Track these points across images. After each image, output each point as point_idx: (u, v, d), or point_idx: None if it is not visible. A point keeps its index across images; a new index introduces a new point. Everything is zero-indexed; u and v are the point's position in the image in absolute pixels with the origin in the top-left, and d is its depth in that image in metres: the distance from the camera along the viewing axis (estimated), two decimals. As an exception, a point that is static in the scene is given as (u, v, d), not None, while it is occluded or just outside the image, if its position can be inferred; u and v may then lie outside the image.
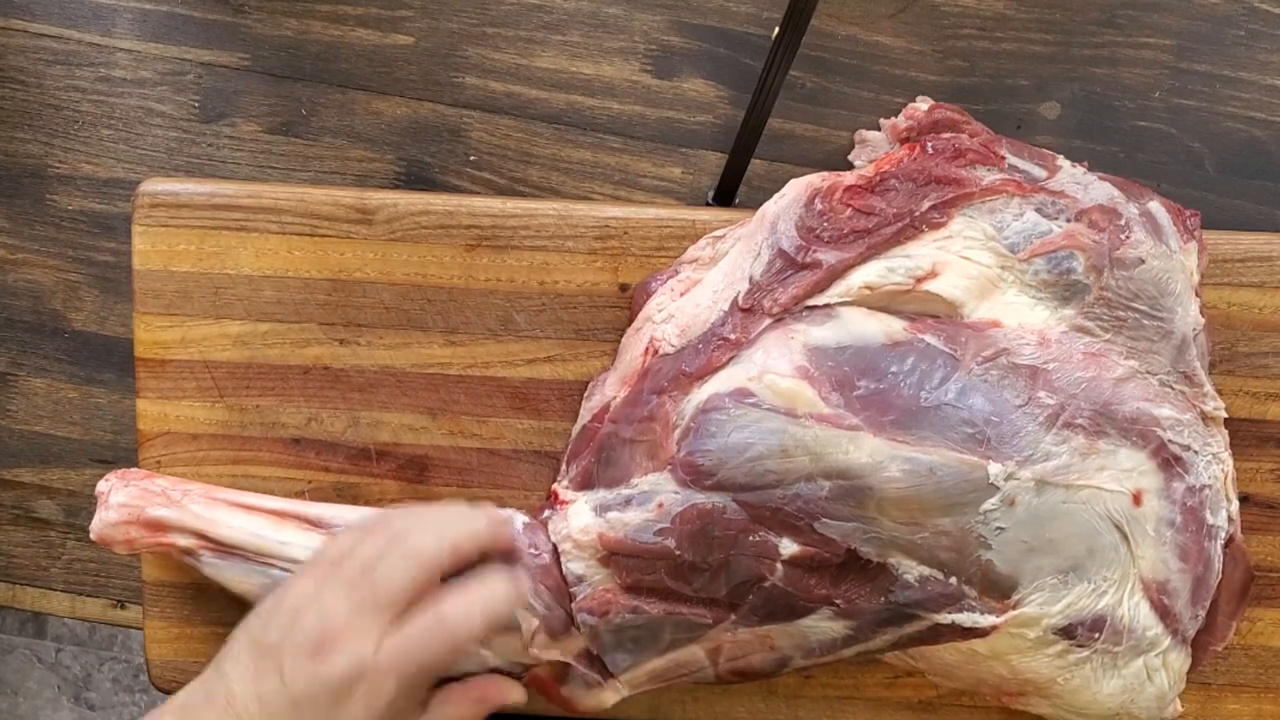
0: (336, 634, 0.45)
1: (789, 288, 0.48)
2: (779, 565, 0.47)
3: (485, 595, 0.46)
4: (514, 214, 0.52)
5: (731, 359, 0.48)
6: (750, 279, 0.49)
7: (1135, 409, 0.47)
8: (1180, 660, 0.49)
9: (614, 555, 0.48)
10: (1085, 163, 0.50)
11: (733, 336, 0.48)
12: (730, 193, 0.57)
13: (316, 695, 0.44)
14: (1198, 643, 0.50)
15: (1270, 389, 0.53)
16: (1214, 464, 0.49)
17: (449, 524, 0.47)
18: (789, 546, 0.47)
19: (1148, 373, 0.48)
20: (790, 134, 0.59)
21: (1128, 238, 0.48)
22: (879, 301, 0.48)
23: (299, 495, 0.53)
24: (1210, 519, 0.48)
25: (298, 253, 0.52)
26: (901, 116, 0.52)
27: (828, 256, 0.48)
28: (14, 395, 0.63)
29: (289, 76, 0.59)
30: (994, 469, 0.46)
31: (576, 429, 0.52)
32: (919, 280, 0.47)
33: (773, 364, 0.47)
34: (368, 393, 0.53)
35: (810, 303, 0.48)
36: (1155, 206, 0.49)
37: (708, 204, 0.58)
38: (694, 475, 0.47)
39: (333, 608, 0.46)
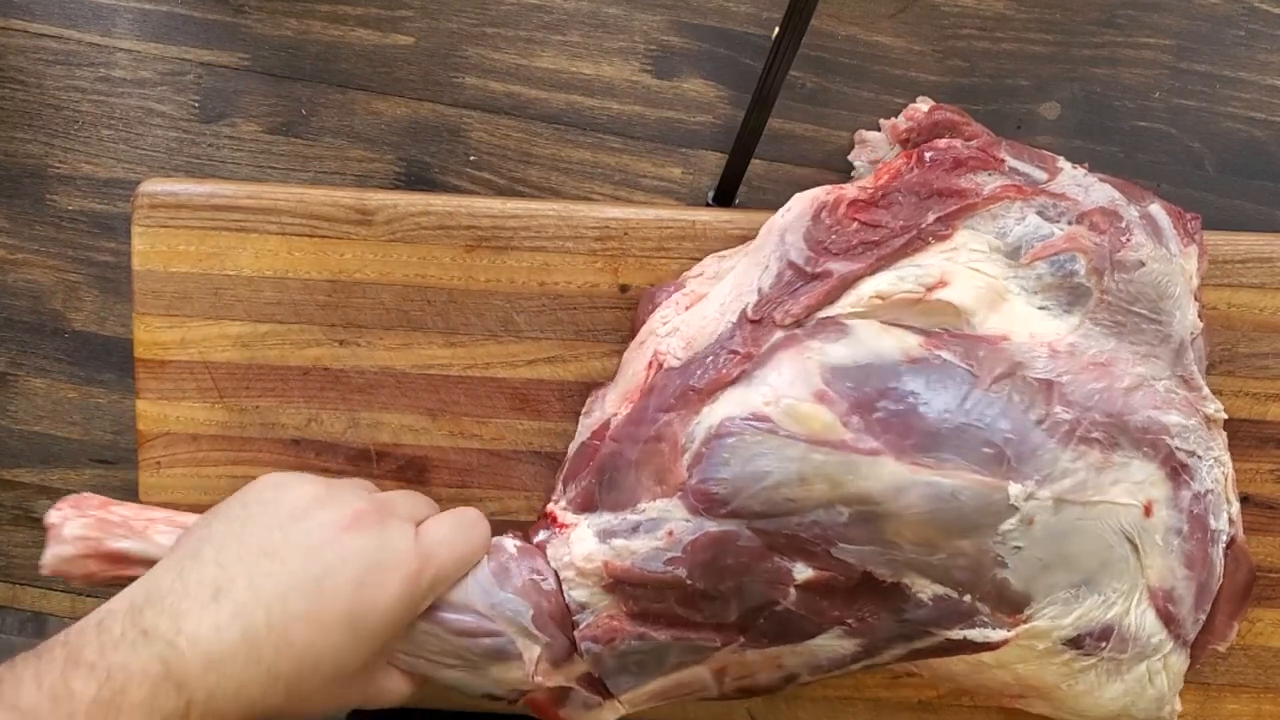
0: (368, 516, 0.43)
1: (800, 298, 0.47)
2: (792, 589, 0.46)
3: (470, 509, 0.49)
4: (514, 214, 0.52)
5: (742, 374, 0.47)
6: (759, 291, 0.48)
7: (1146, 418, 0.47)
8: (1180, 662, 0.49)
9: (620, 583, 0.47)
10: (1086, 164, 0.50)
11: (742, 349, 0.47)
12: (730, 193, 0.57)
13: (346, 567, 0.41)
14: (1196, 642, 0.50)
15: (1270, 390, 0.53)
16: (1216, 467, 0.48)
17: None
18: (803, 571, 0.46)
19: (1153, 379, 0.48)
20: (790, 134, 0.59)
21: (1128, 240, 0.47)
22: (889, 311, 0.47)
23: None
24: (1214, 523, 0.48)
25: (298, 253, 0.52)
26: (901, 117, 0.52)
27: (838, 267, 0.47)
28: (14, 395, 0.63)
29: (289, 76, 0.59)
30: (1014, 490, 0.45)
31: (574, 446, 0.51)
32: (929, 289, 0.47)
33: (790, 387, 0.46)
34: (368, 393, 0.53)
35: (822, 314, 0.47)
36: (1156, 209, 0.49)
37: (708, 204, 0.58)
38: (707, 504, 0.46)
39: (352, 499, 0.44)
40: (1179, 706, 0.51)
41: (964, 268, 0.47)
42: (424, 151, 0.60)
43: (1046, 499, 0.45)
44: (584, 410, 0.52)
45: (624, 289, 0.52)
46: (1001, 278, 0.47)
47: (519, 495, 0.54)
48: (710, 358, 0.47)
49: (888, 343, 0.46)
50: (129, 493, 0.56)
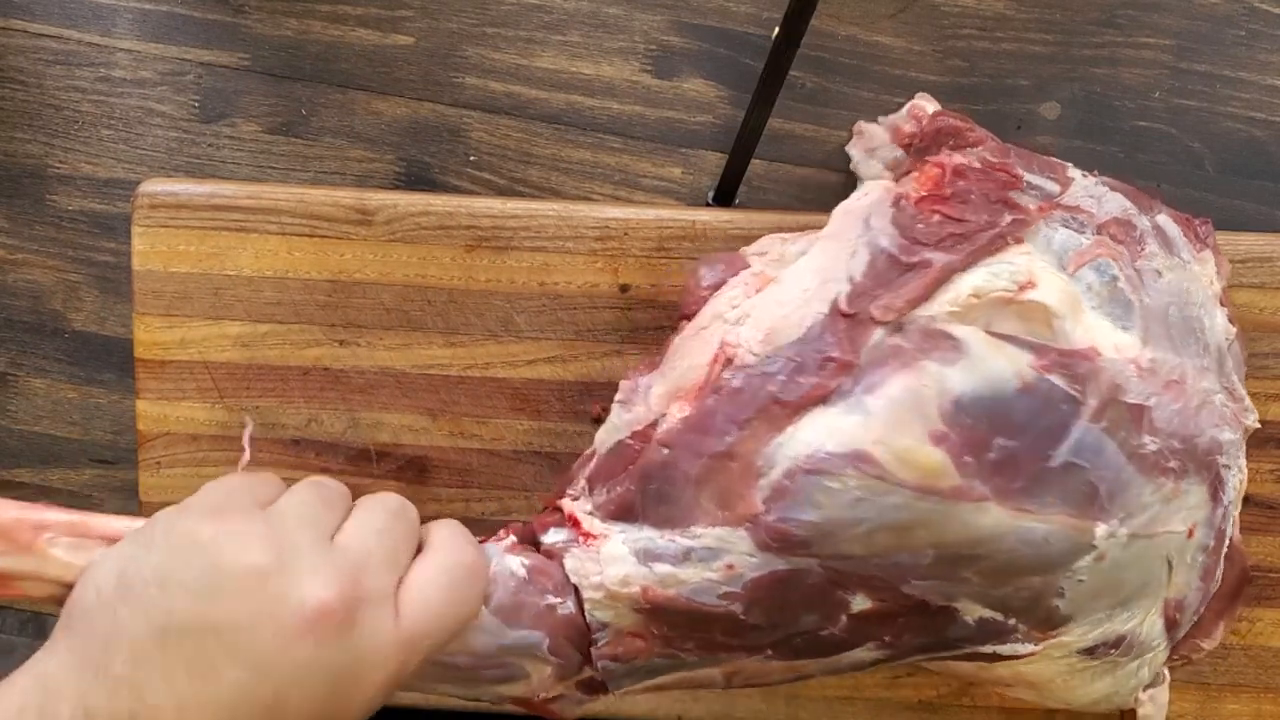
0: (333, 615, 0.33)
1: (900, 291, 0.42)
2: (844, 617, 0.42)
3: (460, 535, 0.40)
4: (514, 214, 0.52)
5: (838, 389, 0.40)
6: (850, 279, 0.42)
7: (1210, 439, 0.44)
8: (1163, 656, 0.49)
9: (659, 609, 0.42)
10: (1095, 170, 0.50)
11: (839, 354, 0.40)
12: (730, 193, 0.57)
13: (309, 684, 0.32)
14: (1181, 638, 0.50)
15: (1271, 390, 0.53)
16: (1237, 475, 0.47)
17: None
18: (862, 603, 0.42)
19: (1213, 393, 0.45)
20: (790, 134, 0.59)
21: (1143, 250, 0.46)
22: (983, 312, 0.43)
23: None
24: (1228, 533, 0.47)
25: (298, 253, 0.52)
26: (905, 114, 0.51)
27: (937, 257, 0.42)
28: (14, 395, 0.63)
29: (289, 76, 0.59)
30: (1100, 531, 0.42)
31: (607, 443, 0.45)
32: (1021, 288, 0.43)
33: (905, 425, 0.40)
34: (368, 394, 0.53)
35: (920, 313, 0.42)
36: (1164, 219, 0.47)
37: (708, 204, 0.58)
38: (783, 543, 0.40)
39: (311, 575, 0.34)
40: (1142, 696, 0.50)
41: (1044, 270, 0.44)
42: (424, 151, 0.60)
43: (1124, 536, 0.43)
44: (619, 397, 0.45)
45: (624, 289, 0.52)
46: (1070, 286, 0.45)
47: (519, 495, 0.54)
48: (800, 362, 0.41)
49: (1001, 365, 0.42)
50: (129, 493, 0.56)
